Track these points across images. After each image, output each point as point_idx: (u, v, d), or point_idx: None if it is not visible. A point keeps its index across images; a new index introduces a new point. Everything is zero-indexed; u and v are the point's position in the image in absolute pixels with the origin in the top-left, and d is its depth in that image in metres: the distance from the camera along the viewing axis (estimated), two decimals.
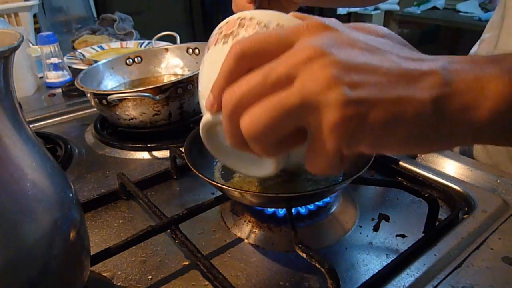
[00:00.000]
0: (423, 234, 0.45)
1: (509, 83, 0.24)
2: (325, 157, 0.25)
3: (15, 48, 0.27)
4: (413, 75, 0.24)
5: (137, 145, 0.66)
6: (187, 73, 0.83)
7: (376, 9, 2.89)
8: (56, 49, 0.99)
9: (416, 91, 0.24)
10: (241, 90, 0.25)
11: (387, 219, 0.48)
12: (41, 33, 0.98)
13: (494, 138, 0.26)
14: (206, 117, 0.30)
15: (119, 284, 0.41)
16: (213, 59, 0.34)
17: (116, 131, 0.73)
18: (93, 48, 1.19)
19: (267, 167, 0.31)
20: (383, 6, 2.88)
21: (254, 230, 0.46)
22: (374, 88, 0.23)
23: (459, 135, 0.25)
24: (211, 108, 0.28)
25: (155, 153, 0.66)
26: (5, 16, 1.25)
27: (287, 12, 0.34)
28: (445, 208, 0.49)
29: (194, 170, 0.42)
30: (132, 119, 0.66)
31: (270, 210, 0.47)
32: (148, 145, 0.66)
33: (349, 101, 0.22)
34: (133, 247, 0.43)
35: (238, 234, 0.46)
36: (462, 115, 0.24)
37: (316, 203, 0.47)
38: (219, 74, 0.27)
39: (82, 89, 0.67)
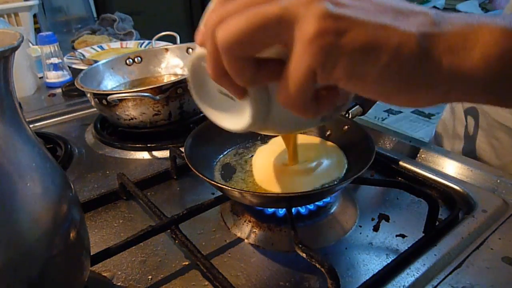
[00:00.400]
0: (423, 234, 0.45)
1: (503, 29, 0.23)
2: (297, 82, 0.23)
3: (15, 48, 0.27)
4: (403, 11, 0.24)
5: (137, 145, 0.66)
6: (187, 73, 0.83)
7: None
8: (56, 49, 0.99)
9: (403, 23, 0.23)
10: (225, 9, 0.24)
11: (387, 219, 0.48)
12: (41, 33, 0.98)
13: (485, 92, 0.24)
14: (195, 51, 0.29)
15: (119, 284, 0.41)
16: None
17: (116, 131, 0.73)
18: (93, 48, 1.19)
19: (245, 117, 0.30)
20: None
21: (254, 230, 0.46)
22: (359, 11, 0.23)
23: (445, 83, 0.24)
24: (200, 39, 0.27)
25: (155, 153, 0.66)
26: (5, 16, 1.25)
27: None
28: (445, 208, 0.49)
29: (194, 170, 0.42)
30: (132, 119, 0.66)
31: (270, 210, 0.47)
32: (148, 145, 0.66)
33: (330, 14, 0.22)
34: (133, 247, 0.43)
35: (238, 234, 0.46)
36: (450, 58, 0.23)
37: (316, 203, 0.47)
38: (213, 4, 0.26)
39: (82, 89, 0.67)
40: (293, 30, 0.23)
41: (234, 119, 0.31)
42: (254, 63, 0.25)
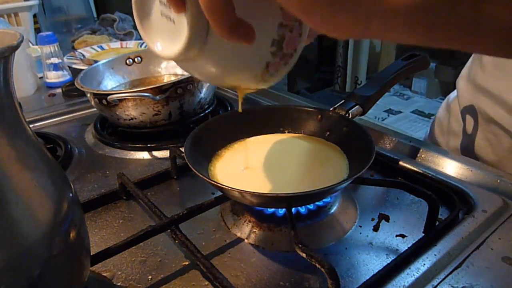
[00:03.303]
0: (423, 234, 0.45)
1: None
2: None
3: (15, 48, 0.27)
4: None
5: (137, 145, 0.66)
6: (187, 73, 0.83)
7: None
8: (56, 49, 0.99)
9: None
10: None
11: (387, 219, 0.48)
12: (41, 33, 0.98)
13: (407, 26, 0.22)
14: None
15: (119, 284, 0.41)
16: None
17: (116, 131, 0.73)
18: (93, 48, 1.19)
19: (181, 37, 0.29)
20: None
21: (254, 230, 0.46)
22: None
23: (364, 4, 0.22)
24: None
25: (155, 153, 0.66)
26: (5, 16, 1.25)
27: None
28: (445, 208, 0.49)
29: (194, 170, 0.42)
30: (132, 119, 0.66)
31: (270, 210, 0.47)
32: (148, 145, 0.66)
33: None
34: (133, 247, 0.43)
35: (238, 234, 0.46)
36: None
37: (316, 203, 0.47)
38: None
39: (82, 89, 0.67)
40: None
41: (172, 43, 0.31)
42: None
